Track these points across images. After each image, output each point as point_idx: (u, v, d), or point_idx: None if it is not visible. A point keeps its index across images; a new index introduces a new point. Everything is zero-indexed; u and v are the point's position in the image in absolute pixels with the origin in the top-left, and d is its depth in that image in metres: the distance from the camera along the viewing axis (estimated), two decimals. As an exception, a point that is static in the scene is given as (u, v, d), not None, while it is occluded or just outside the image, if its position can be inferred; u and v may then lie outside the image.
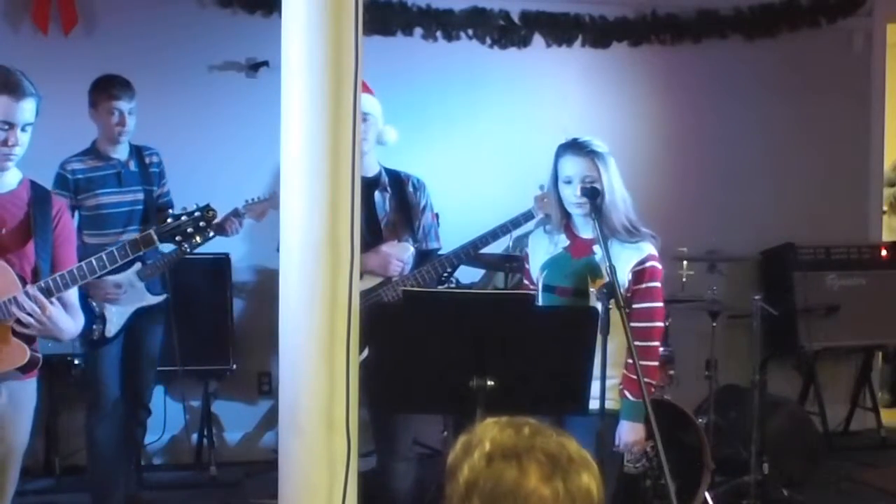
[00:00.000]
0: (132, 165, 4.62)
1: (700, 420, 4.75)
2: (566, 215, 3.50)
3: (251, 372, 5.70)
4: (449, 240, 4.15)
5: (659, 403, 4.43)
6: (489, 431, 1.67)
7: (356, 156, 2.48)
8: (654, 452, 4.22)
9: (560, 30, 6.11)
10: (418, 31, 5.90)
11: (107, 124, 4.54)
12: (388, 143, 4.01)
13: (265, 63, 5.53)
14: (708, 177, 6.34)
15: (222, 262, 5.49)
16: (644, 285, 3.40)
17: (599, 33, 6.16)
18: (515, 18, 6.04)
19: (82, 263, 3.10)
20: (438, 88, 5.89)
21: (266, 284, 5.52)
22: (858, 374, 6.45)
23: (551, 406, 2.95)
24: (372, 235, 3.87)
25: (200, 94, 5.62)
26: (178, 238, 3.16)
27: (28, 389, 3.18)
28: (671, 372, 4.89)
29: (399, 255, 3.90)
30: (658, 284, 3.45)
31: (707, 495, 4.55)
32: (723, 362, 5.27)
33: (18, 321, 3.01)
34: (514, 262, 4.74)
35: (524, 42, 6.06)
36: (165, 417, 5.49)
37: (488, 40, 6.02)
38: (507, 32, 6.03)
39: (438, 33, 5.92)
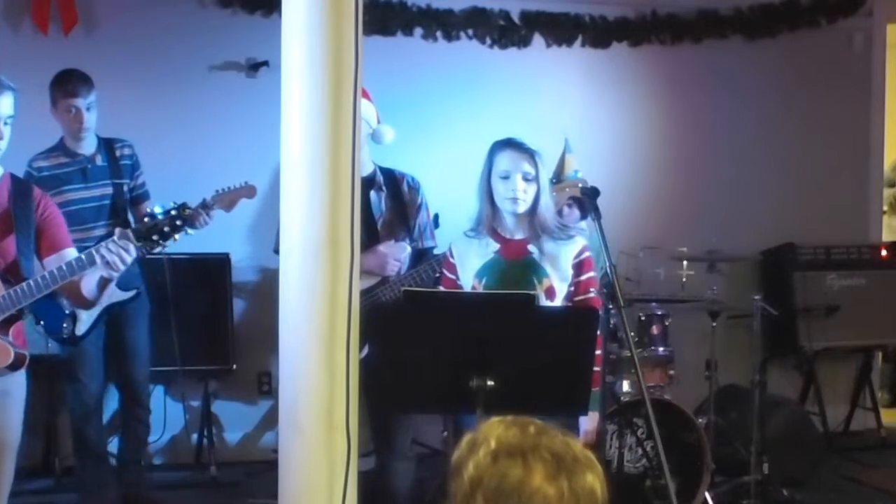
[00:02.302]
0: (99, 160, 4.59)
1: (700, 420, 4.75)
2: (494, 215, 3.49)
3: (251, 372, 5.69)
4: (449, 239, 4.14)
5: (659, 403, 4.43)
6: (494, 430, 1.68)
7: (356, 156, 2.48)
8: (654, 452, 4.24)
9: (560, 30, 6.11)
10: (418, 31, 5.90)
11: (65, 121, 4.52)
12: (385, 143, 4.01)
13: (265, 63, 5.52)
14: (708, 177, 6.34)
15: (222, 262, 5.49)
16: (583, 277, 3.46)
17: (599, 33, 6.16)
18: (515, 18, 6.04)
19: (62, 265, 3.13)
20: (438, 88, 5.89)
21: (266, 284, 5.52)
22: (858, 374, 6.44)
23: (551, 406, 2.94)
24: (368, 235, 3.85)
25: (200, 93, 5.62)
26: (154, 237, 3.20)
27: (17, 380, 3.21)
28: (671, 372, 4.89)
29: (396, 254, 3.90)
30: (594, 274, 3.50)
31: (707, 495, 4.55)
32: (723, 362, 5.27)
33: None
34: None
35: (524, 42, 6.06)
36: (165, 417, 5.48)
37: (488, 40, 6.02)
38: (507, 32, 6.02)
39: (438, 33, 5.92)
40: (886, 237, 6.95)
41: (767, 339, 5.31)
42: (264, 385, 5.76)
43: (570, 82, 6.16)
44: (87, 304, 3.31)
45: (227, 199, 4.49)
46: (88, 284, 3.19)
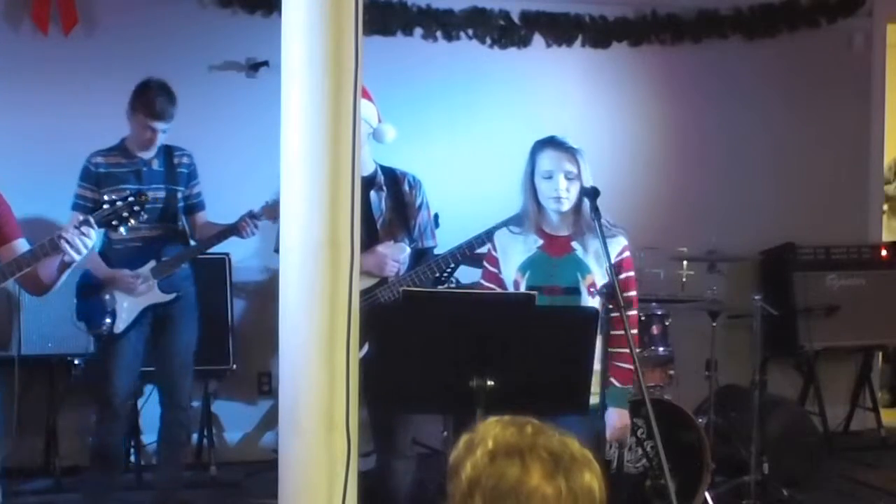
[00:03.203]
0: (156, 164, 4.58)
1: (700, 420, 4.75)
2: (540, 212, 3.50)
3: (251, 372, 5.69)
4: (449, 239, 4.14)
5: (659, 403, 4.43)
6: (492, 430, 1.68)
7: (356, 156, 2.48)
8: (654, 452, 4.24)
9: (560, 30, 6.11)
10: (418, 31, 5.90)
11: (138, 133, 4.51)
12: (386, 141, 4.01)
13: (265, 63, 5.53)
14: (708, 177, 6.34)
15: (222, 262, 5.49)
16: (623, 276, 3.48)
17: (599, 33, 6.16)
18: (515, 18, 6.04)
19: (26, 251, 3.28)
20: (438, 88, 5.89)
21: (266, 284, 5.52)
22: (858, 374, 6.44)
23: (551, 406, 2.94)
24: (368, 235, 3.85)
25: (200, 94, 5.61)
26: (114, 223, 3.40)
27: None
28: (671, 372, 4.89)
29: (395, 255, 3.89)
30: (633, 274, 3.55)
31: (707, 495, 4.55)
32: (723, 362, 5.27)
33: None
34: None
35: (524, 42, 6.06)
36: (165, 417, 5.49)
37: (488, 40, 6.02)
38: (507, 32, 6.03)
39: (438, 33, 5.92)
40: (886, 237, 6.95)
41: (767, 339, 5.31)
42: (264, 385, 5.76)
43: (570, 82, 6.16)
44: (45, 289, 3.44)
45: (276, 210, 4.50)
46: (48, 269, 3.31)
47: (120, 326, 4.45)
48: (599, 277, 3.43)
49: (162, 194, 4.55)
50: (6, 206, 3.42)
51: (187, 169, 4.67)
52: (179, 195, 4.60)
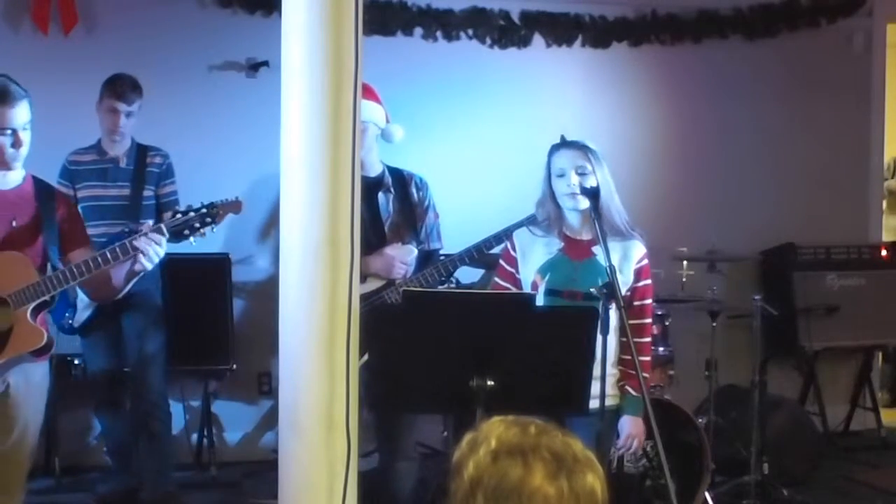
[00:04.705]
0: (124, 163, 4.73)
1: (700, 420, 4.75)
2: (559, 215, 3.50)
3: (251, 372, 5.69)
4: (448, 239, 4.14)
5: (659, 403, 4.43)
6: (495, 429, 1.68)
7: (356, 156, 2.48)
8: (654, 452, 4.24)
9: (560, 30, 6.10)
10: (418, 31, 5.90)
11: (104, 120, 4.70)
12: (395, 141, 4.02)
13: (265, 63, 5.53)
14: (708, 177, 6.34)
15: (222, 262, 5.48)
16: (642, 283, 3.52)
17: (599, 33, 6.16)
18: (515, 18, 6.04)
19: (97, 255, 3.26)
20: (438, 88, 5.89)
21: (266, 284, 5.52)
22: (858, 374, 6.45)
23: (551, 406, 2.94)
24: (376, 237, 3.87)
25: (200, 94, 5.62)
26: (185, 232, 3.36)
27: (41, 370, 3.34)
28: (671, 372, 4.89)
29: (403, 257, 3.90)
30: (650, 282, 3.56)
31: (707, 495, 4.55)
32: (723, 362, 5.27)
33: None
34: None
35: (524, 42, 6.06)
36: (165, 417, 5.49)
37: (488, 40, 6.02)
38: (507, 32, 6.02)
39: (438, 33, 5.92)
40: (886, 237, 6.95)
41: (767, 339, 5.32)
42: (264, 385, 5.76)
43: (570, 82, 6.16)
44: (113, 294, 3.44)
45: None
46: (118, 275, 3.31)
47: (79, 319, 4.56)
48: (620, 283, 3.42)
49: (127, 192, 4.68)
50: (76, 214, 3.52)
51: (159, 168, 4.78)
52: (148, 194, 4.71)
